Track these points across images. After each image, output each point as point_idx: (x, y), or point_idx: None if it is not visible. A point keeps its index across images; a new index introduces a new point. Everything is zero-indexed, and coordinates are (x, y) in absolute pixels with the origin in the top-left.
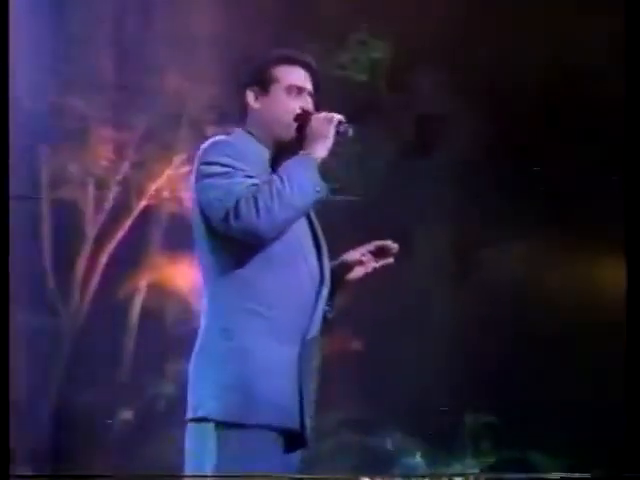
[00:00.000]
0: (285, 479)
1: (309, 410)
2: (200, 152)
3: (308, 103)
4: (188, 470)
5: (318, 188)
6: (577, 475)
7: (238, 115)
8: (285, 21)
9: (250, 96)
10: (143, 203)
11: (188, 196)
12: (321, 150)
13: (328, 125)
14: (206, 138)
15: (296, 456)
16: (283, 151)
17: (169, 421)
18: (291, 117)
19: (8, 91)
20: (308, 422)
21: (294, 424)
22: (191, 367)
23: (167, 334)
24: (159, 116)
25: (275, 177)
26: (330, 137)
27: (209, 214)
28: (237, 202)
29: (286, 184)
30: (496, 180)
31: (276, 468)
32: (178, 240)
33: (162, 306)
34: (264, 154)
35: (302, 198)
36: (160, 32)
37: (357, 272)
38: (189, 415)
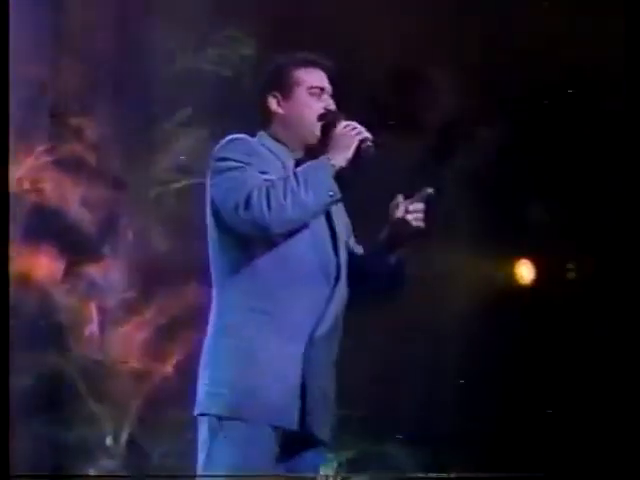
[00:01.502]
0: (284, 479)
1: (317, 410)
2: (215, 150)
3: (330, 104)
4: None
5: (331, 193)
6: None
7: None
8: (152, 16)
9: (272, 102)
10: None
11: (50, 187)
12: (341, 159)
13: (353, 137)
14: (69, 128)
15: (309, 457)
16: (310, 153)
17: (20, 417)
18: (315, 117)
19: (8, 89)
20: (314, 421)
21: (291, 424)
22: (200, 363)
23: (25, 326)
24: (20, 104)
25: (291, 176)
26: (352, 149)
27: (221, 207)
28: (249, 194)
29: (301, 184)
30: None
31: (273, 466)
32: (38, 232)
33: (20, 298)
34: (287, 156)
35: (315, 200)
36: (24, 21)
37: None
38: (194, 411)
